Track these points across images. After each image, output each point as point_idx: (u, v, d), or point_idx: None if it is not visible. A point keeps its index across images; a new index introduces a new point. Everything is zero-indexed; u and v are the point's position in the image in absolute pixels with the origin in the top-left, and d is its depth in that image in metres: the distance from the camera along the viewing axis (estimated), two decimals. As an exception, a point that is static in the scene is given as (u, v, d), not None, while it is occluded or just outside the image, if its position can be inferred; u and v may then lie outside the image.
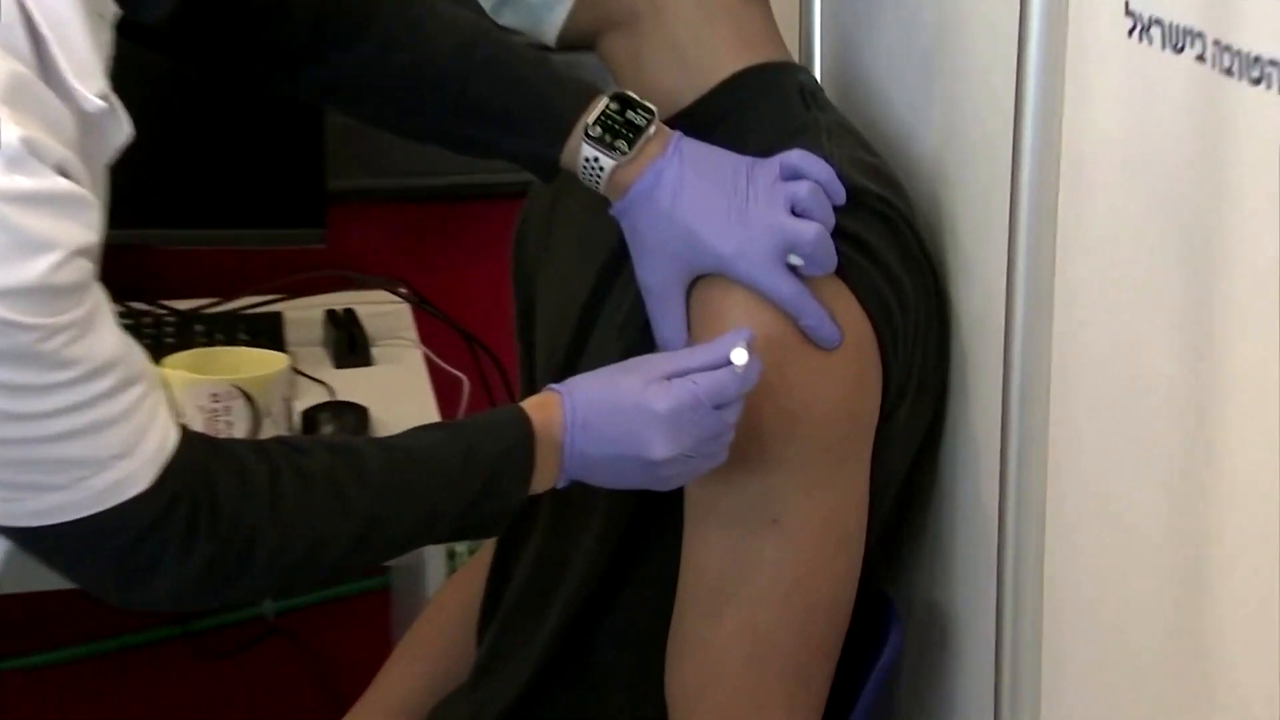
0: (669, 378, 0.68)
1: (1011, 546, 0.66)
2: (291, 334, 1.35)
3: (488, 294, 1.27)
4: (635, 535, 0.77)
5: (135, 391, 0.59)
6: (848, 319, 0.71)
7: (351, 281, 1.37)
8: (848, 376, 0.72)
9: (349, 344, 1.32)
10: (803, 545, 0.72)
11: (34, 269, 0.54)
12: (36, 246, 0.55)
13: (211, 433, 1.08)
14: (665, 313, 0.73)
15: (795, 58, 0.81)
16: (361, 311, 1.37)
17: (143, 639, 1.45)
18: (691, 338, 0.72)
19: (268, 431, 1.11)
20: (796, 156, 0.72)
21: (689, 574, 0.74)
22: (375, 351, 1.34)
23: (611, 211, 0.74)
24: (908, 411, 0.75)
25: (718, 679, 0.72)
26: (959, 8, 0.77)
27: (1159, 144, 0.60)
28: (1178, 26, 0.58)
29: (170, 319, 1.35)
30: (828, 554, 0.73)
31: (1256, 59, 0.54)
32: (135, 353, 0.60)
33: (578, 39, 0.77)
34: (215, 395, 1.10)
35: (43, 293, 0.55)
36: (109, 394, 0.58)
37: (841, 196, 0.72)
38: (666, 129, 0.73)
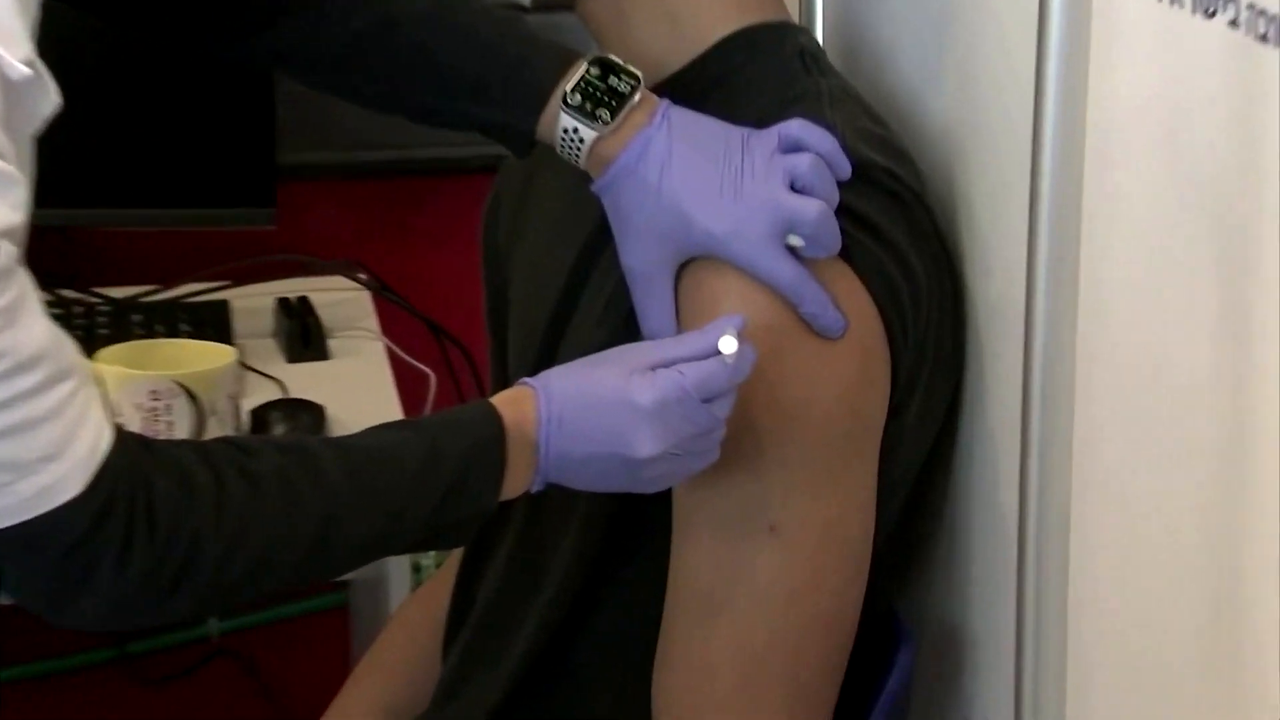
0: (653, 368, 0.68)
1: (1033, 557, 0.66)
2: (239, 324, 1.35)
3: (456, 280, 1.27)
4: (617, 543, 0.77)
5: (65, 388, 0.59)
6: (852, 305, 0.71)
7: (305, 266, 1.37)
8: (852, 368, 0.72)
9: (303, 336, 1.32)
10: (801, 554, 0.72)
11: None
12: None
13: (150, 434, 1.07)
14: (652, 299, 0.73)
15: (795, 18, 0.81)
16: (316, 300, 1.37)
17: (74, 662, 1.45)
18: (681, 327, 0.72)
19: (212, 432, 1.11)
20: (797, 126, 0.72)
21: (677, 586, 0.74)
22: (332, 344, 1.33)
23: (593, 188, 0.74)
24: (918, 407, 0.75)
25: (707, 700, 0.73)
26: (975, -36, 0.77)
27: (1190, 115, 0.61)
28: (1210, -12, 0.58)
29: (104, 308, 1.34)
30: (829, 564, 0.73)
31: (1295, 22, 0.55)
32: (65, 345, 0.60)
33: (555, -3, 0.78)
34: (154, 393, 1.10)
35: None
36: (36, 391, 0.58)
37: (846, 170, 0.72)
38: (653, 97, 0.73)
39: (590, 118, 0.72)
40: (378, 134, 1.39)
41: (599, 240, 0.77)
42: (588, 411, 0.68)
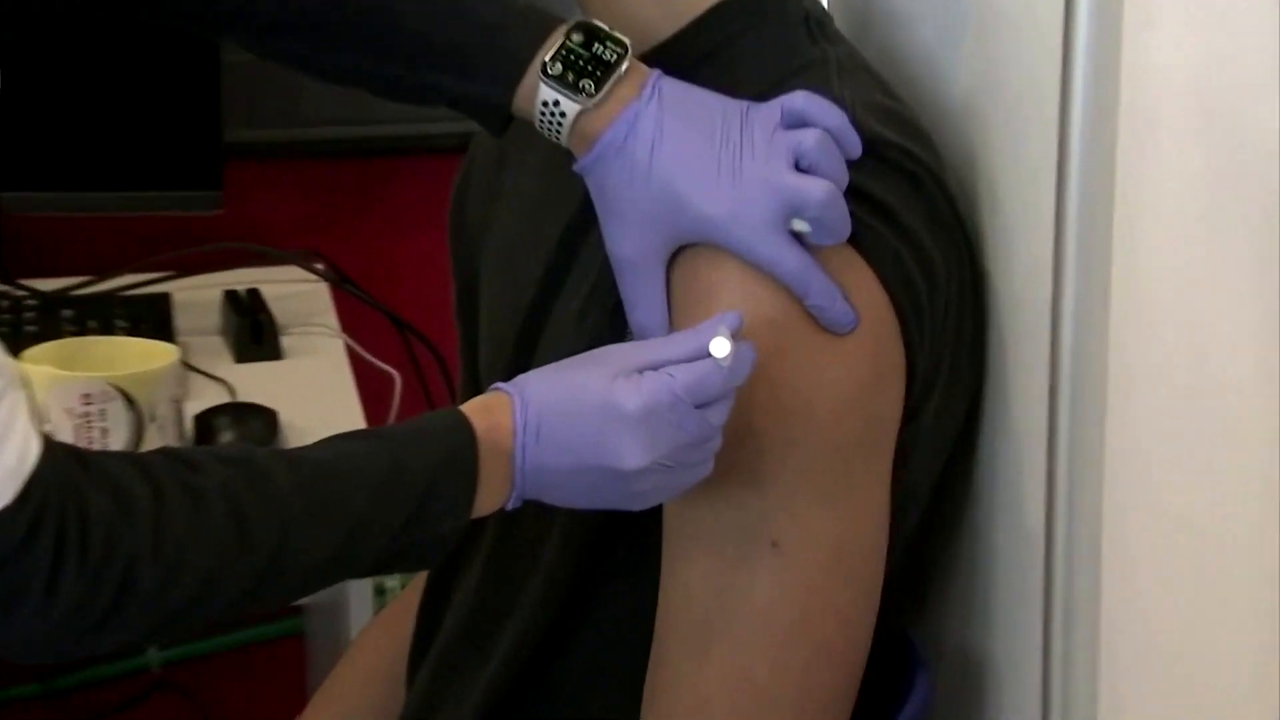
0: (641, 371, 0.68)
1: (1061, 577, 0.67)
2: (181, 320, 1.35)
3: (423, 271, 1.27)
4: (599, 562, 0.77)
5: (-13, 391, 0.59)
6: (864, 297, 0.71)
7: (255, 255, 1.37)
8: (863, 366, 0.71)
9: (252, 332, 1.32)
10: (807, 575, 0.72)
11: None
12: None
13: (83, 443, 1.07)
14: (641, 291, 0.72)
15: (798, -20, 0.82)
16: (268, 292, 1.37)
17: (-3, 698, 1.44)
18: (674, 321, 0.72)
19: (152, 441, 1.11)
20: (801, 99, 0.71)
21: (669, 611, 0.74)
22: (285, 341, 1.34)
23: (575, 168, 0.73)
24: (936, 410, 0.75)
25: (704, 737, 0.73)
26: (997, -81, 0.77)
27: (1235, 81, 0.61)
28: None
29: (31, 302, 1.34)
30: (838, 585, 0.73)
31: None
32: (-12, 343, 0.60)
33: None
34: (87, 396, 1.10)
35: None
36: (-46, 394, 0.58)
37: (856, 147, 0.72)
38: (643, 67, 0.73)
39: (573, 89, 0.72)
40: (336, 109, 1.39)
41: (582, 225, 0.76)
42: (568, 419, 0.68)
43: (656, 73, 0.73)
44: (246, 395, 1.24)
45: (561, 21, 0.73)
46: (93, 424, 1.09)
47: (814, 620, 0.72)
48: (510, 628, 0.79)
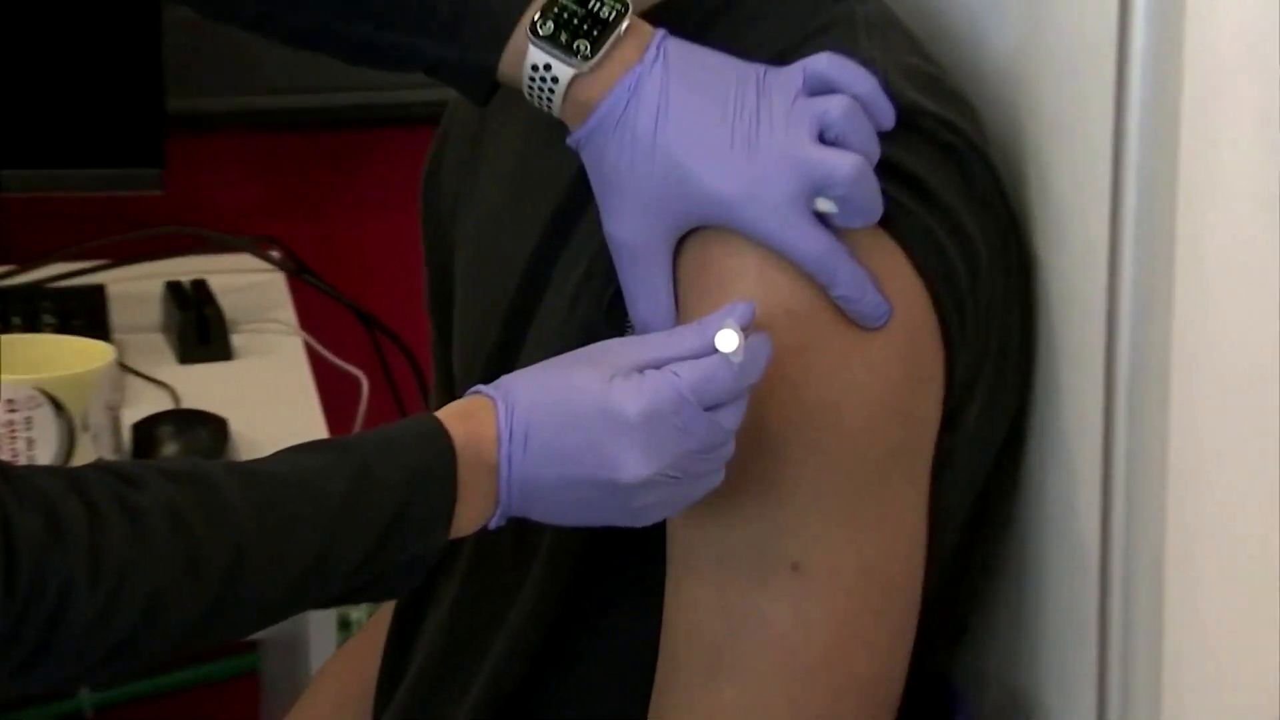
0: (641, 369, 0.68)
1: (1118, 606, 0.67)
2: (118, 315, 1.35)
3: (393, 260, 1.27)
4: (591, 586, 0.77)
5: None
6: (897, 287, 0.71)
7: (202, 242, 1.37)
8: (897, 366, 0.72)
9: (199, 329, 1.33)
10: (832, 602, 0.72)
11: None
12: None
13: (6, 455, 1.07)
14: (643, 280, 0.72)
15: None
16: (217, 284, 1.37)
17: (-92, 744, 1.44)
18: (681, 316, 0.72)
19: (84, 453, 1.11)
20: (826, 62, 0.71)
21: (675, 641, 0.74)
22: (236, 340, 1.34)
23: (569, 141, 0.73)
24: (977, 415, 0.75)
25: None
26: None
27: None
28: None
29: (-54, 295, 1.35)
30: (867, 615, 0.73)
31: None
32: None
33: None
34: (10, 402, 1.10)
35: None
36: None
37: (889, 116, 0.72)
38: (645, 25, 0.73)
39: (566, 51, 0.72)
40: (295, 74, 1.39)
41: (574, 207, 0.77)
42: (560, 425, 0.68)
43: (661, 32, 0.73)
44: (192, 401, 1.25)
45: (554, -26, 0.74)
46: (17, 434, 1.09)
47: (840, 654, 0.72)
48: (488, 665, 0.79)
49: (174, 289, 1.36)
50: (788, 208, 0.70)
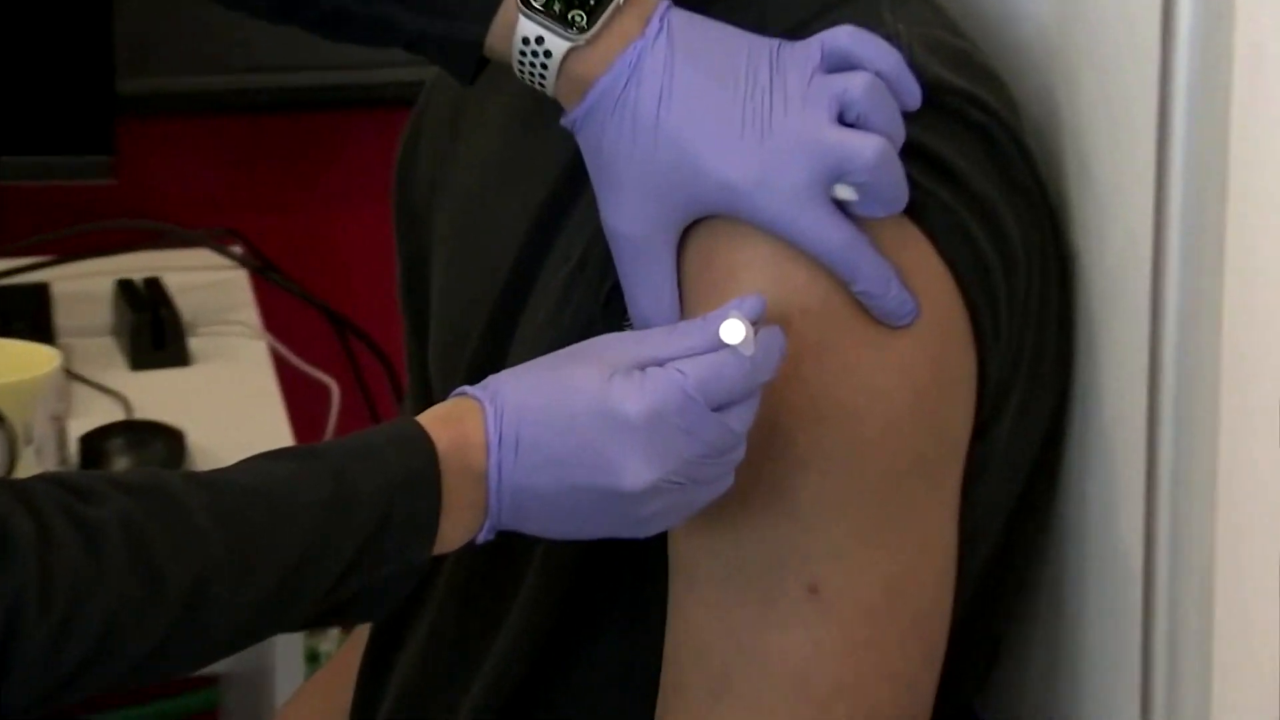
0: (643, 367, 0.68)
1: (1164, 629, 0.67)
2: (64, 317, 1.36)
3: (366, 256, 1.27)
4: (586, 607, 0.77)
5: None
6: (924, 281, 0.72)
7: (156, 236, 1.37)
8: (923, 368, 0.72)
9: (153, 332, 1.33)
10: (852, 627, 0.72)
11: None
12: None
13: (-56, 467, 1.07)
14: (644, 276, 0.73)
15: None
16: (173, 282, 1.37)
17: None
18: (685, 313, 0.73)
19: (27, 468, 1.11)
20: (846, 36, 0.72)
21: (678, 663, 0.74)
22: (194, 344, 1.34)
23: (564, 122, 0.74)
24: (1011, 423, 0.76)
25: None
26: None
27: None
28: None
29: (-125, 295, 1.35)
30: (890, 642, 0.73)
31: None
32: None
33: None
34: (-53, 411, 1.10)
35: None
36: None
37: (915, 95, 0.72)
38: (647, -6, 0.73)
39: (560, 22, 0.72)
40: (258, 52, 1.39)
41: (566, 191, 0.77)
42: (555, 429, 0.68)
43: (665, 2, 0.73)
44: (145, 412, 1.25)
45: (545, -60, 0.74)
46: (-46, 446, 1.10)
47: (859, 686, 0.72)
48: (473, 695, 0.79)
49: (125, 288, 1.36)
50: (804, 195, 0.70)
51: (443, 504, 0.67)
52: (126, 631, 0.63)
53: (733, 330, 0.67)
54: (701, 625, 0.73)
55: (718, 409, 0.68)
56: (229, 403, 1.28)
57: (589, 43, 0.72)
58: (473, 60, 0.75)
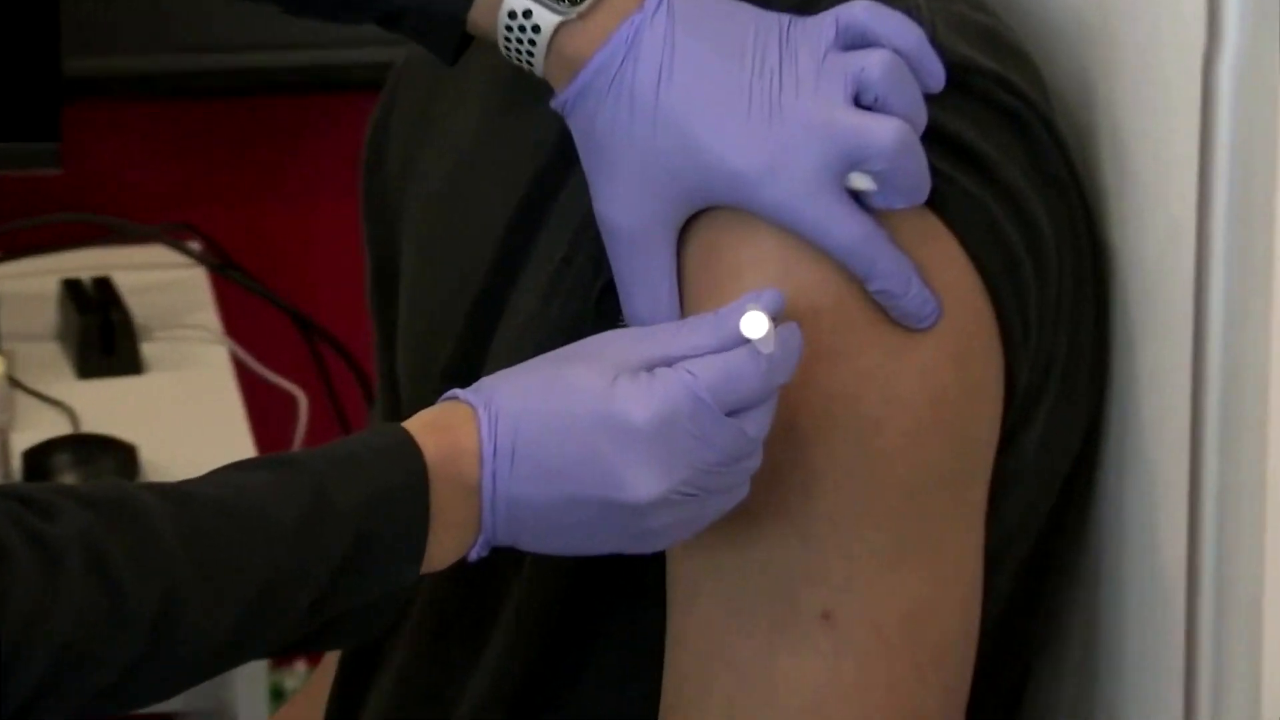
0: (649, 367, 0.68)
1: (1209, 653, 0.67)
2: (6, 320, 1.35)
3: (335, 252, 1.27)
4: (577, 632, 0.77)
5: None
6: (948, 279, 0.72)
7: (106, 231, 1.37)
8: (947, 374, 0.72)
9: (103, 337, 1.32)
10: (870, 660, 0.72)
11: None
12: None
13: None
14: (641, 272, 0.73)
15: None
16: (124, 282, 1.37)
17: None
18: (685, 312, 0.73)
19: (-33, 482, 1.12)
20: (862, 10, 0.72)
21: (679, 695, 0.73)
22: (148, 349, 1.34)
23: (554, 104, 0.74)
24: (1042, 434, 0.76)
25: None
26: None
27: None
28: None
29: None
30: (910, 675, 0.73)
31: None
32: None
33: None
34: (-122, 423, 1.10)
35: None
36: None
37: (938, 76, 0.72)
38: (646, -35, 0.74)
39: None
40: (215, 30, 1.39)
41: (552, 178, 0.77)
42: (555, 436, 0.68)
43: (664, -27, 0.73)
44: (94, 424, 1.25)
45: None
46: (-114, 460, 1.10)
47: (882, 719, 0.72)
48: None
49: (72, 288, 1.36)
50: (816, 184, 0.70)
51: (431, 519, 0.67)
52: (86, 658, 0.63)
53: (755, 324, 0.67)
54: (703, 653, 0.73)
55: (731, 413, 0.68)
56: (186, 415, 1.28)
57: (581, 16, 0.72)
58: (455, 37, 0.75)
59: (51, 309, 1.37)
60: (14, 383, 1.27)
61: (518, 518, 0.68)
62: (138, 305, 1.36)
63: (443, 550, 0.68)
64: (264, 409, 1.31)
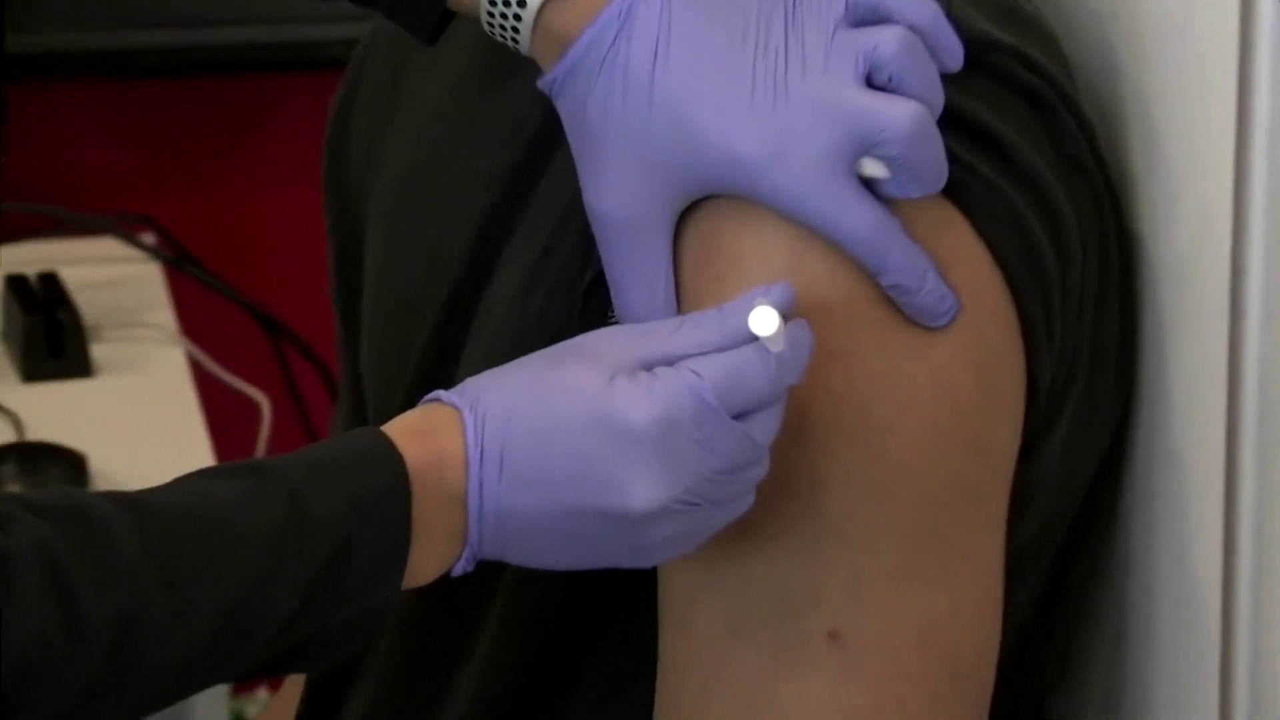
0: (649, 367, 0.68)
1: (1245, 669, 0.67)
2: (-56, 320, 1.35)
3: (300, 246, 1.27)
4: (564, 654, 0.77)
5: None
6: (966, 274, 0.72)
7: (52, 223, 1.37)
8: (965, 376, 0.72)
9: (49, 338, 1.32)
10: (881, 685, 0.72)
11: None
12: None
13: None
14: (634, 264, 0.73)
15: None
16: (72, 278, 1.37)
17: None
18: (683, 308, 0.73)
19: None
20: (874, -17, 0.72)
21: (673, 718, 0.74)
22: (98, 351, 1.34)
23: (541, 84, 0.74)
24: (1066, 439, 0.76)
25: None
26: None
27: None
28: None
29: None
30: (924, 698, 0.73)
31: None
32: None
33: None
34: None
35: None
36: None
37: (956, 54, 0.72)
38: (638, -64, 0.74)
39: None
40: (172, 3, 1.39)
41: (532, 162, 0.77)
42: (546, 441, 0.68)
43: (660, -56, 0.74)
44: (41, 432, 1.24)
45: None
46: None
47: (890, 746, 0.72)
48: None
49: (16, 285, 1.36)
50: (825, 170, 0.70)
51: (414, 530, 0.67)
52: (40, 678, 0.63)
53: (765, 320, 0.67)
54: (698, 676, 0.73)
55: (738, 416, 0.68)
56: (139, 421, 1.28)
57: None
58: (434, 14, 0.75)
59: (-7, 307, 1.37)
60: (-47, 387, 1.28)
61: (506, 529, 0.69)
62: (87, 303, 1.35)
63: (425, 563, 0.69)
64: (224, 415, 1.31)
